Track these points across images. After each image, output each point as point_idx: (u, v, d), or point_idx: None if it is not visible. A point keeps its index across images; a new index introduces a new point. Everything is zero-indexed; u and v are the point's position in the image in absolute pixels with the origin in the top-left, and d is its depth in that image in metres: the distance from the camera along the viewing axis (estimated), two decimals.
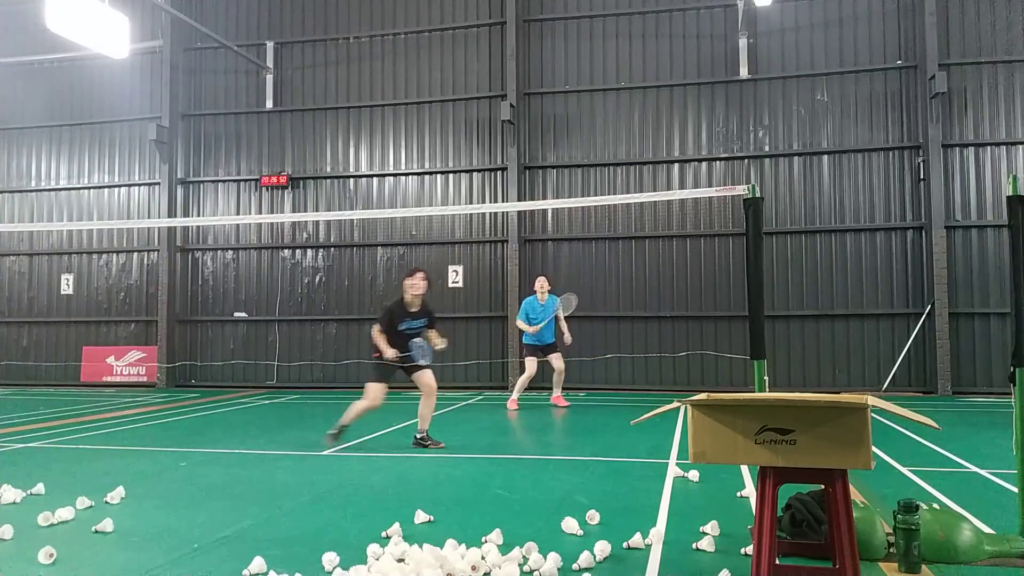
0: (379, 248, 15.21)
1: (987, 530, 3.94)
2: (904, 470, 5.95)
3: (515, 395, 11.15)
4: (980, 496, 5.06)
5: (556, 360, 11.12)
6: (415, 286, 7.44)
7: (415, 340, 7.40)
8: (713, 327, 13.74)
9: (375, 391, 7.27)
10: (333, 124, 15.67)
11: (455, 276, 14.79)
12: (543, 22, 14.85)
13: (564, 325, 11.13)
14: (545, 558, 3.56)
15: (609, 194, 14.10)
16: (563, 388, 11.59)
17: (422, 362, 7.38)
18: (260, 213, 15.69)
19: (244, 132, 16.09)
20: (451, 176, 15.04)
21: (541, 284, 11.08)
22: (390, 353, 7.16)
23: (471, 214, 14.81)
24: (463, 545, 3.77)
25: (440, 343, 7.52)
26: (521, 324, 11.09)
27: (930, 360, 12.89)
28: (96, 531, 4.26)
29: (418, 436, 7.47)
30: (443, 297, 14.81)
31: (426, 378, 7.46)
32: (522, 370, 11.43)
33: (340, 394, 13.84)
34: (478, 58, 15.09)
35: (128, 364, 16.06)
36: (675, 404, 3.38)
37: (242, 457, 6.94)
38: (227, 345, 15.77)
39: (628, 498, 5.06)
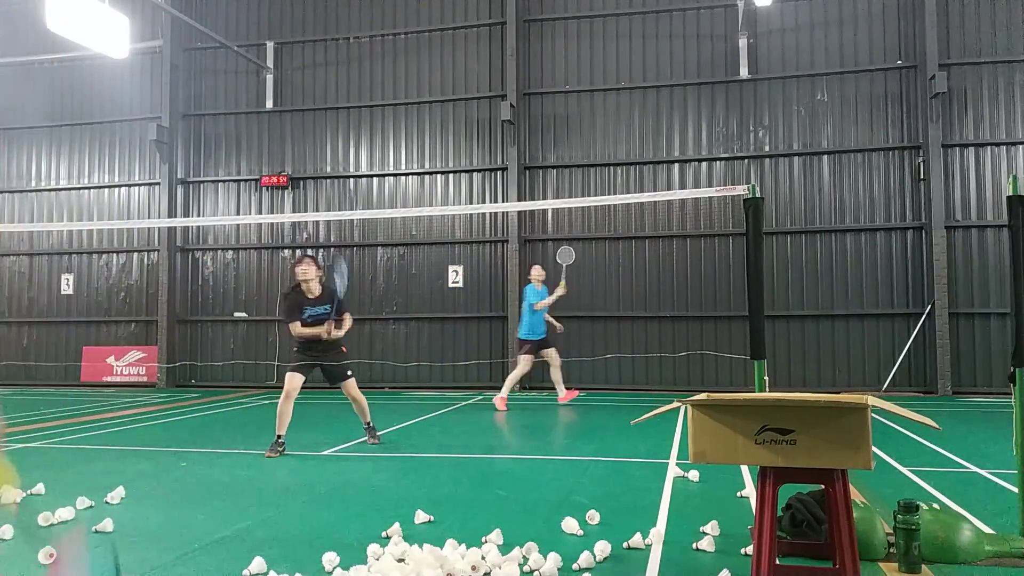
0: (379, 248, 15.22)
1: (987, 530, 3.94)
2: (904, 470, 5.95)
3: (504, 393, 10.92)
4: (980, 496, 5.06)
5: (554, 355, 11.17)
6: (304, 272, 7.25)
7: None
8: (713, 327, 13.74)
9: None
10: (333, 124, 15.67)
11: (455, 276, 14.79)
12: (543, 22, 14.85)
13: (551, 318, 11.20)
14: (545, 558, 3.56)
15: (609, 194, 14.10)
16: (567, 389, 11.55)
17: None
18: (260, 213, 15.70)
19: (244, 132, 16.09)
20: (451, 176, 15.04)
21: (538, 272, 11.12)
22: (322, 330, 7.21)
23: (471, 214, 14.81)
24: (463, 545, 3.77)
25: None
26: (532, 307, 10.94)
27: (930, 360, 12.89)
28: (96, 531, 4.26)
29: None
30: (443, 297, 14.82)
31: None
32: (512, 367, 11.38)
33: (340, 394, 13.82)
34: (478, 58, 15.09)
35: (128, 364, 16.06)
36: (675, 404, 3.38)
37: (242, 457, 6.94)
38: (227, 345, 15.77)
39: (628, 498, 5.06)
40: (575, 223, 14.48)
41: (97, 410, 11.31)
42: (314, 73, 15.83)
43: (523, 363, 11.03)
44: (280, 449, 6.96)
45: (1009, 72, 13.08)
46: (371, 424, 7.69)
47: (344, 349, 7.52)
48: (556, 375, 11.38)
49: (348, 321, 7.41)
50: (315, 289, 7.27)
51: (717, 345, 13.62)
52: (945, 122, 13.07)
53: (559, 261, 11.75)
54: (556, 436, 8.55)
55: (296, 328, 7.18)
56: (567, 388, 11.53)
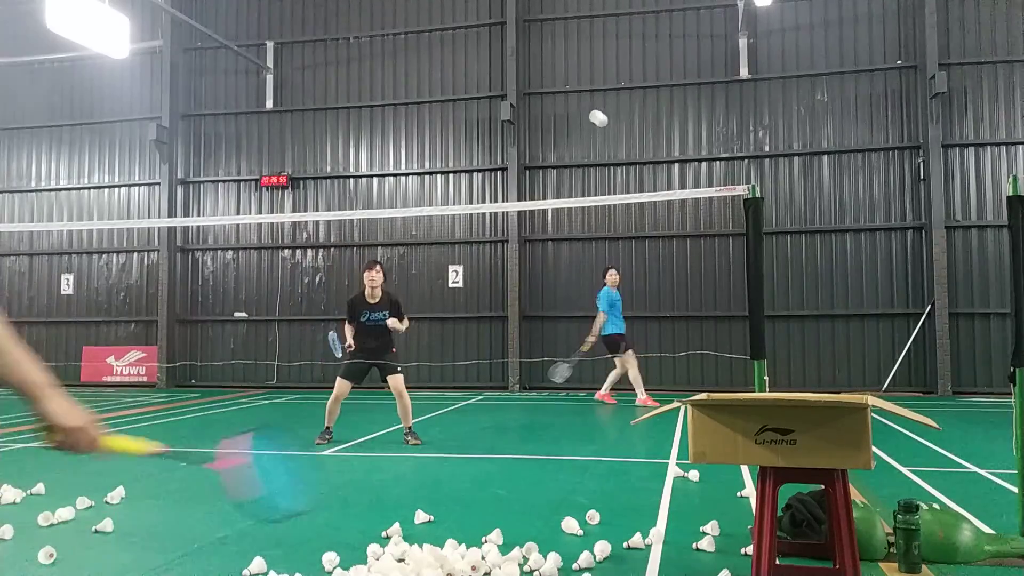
0: (379, 248, 15.21)
1: (987, 530, 3.94)
2: (904, 470, 5.95)
3: (642, 393, 11.10)
4: (980, 496, 5.06)
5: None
6: (372, 279, 7.58)
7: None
8: (713, 327, 13.74)
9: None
10: (333, 124, 15.67)
11: (455, 276, 14.79)
12: (543, 22, 14.85)
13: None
14: (545, 558, 3.56)
15: (609, 194, 14.10)
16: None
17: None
18: (260, 213, 15.69)
19: (244, 132, 16.09)
20: (451, 176, 15.04)
21: (614, 276, 11.33)
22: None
23: (471, 214, 14.81)
24: (463, 545, 3.77)
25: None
26: (602, 316, 11.17)
27: (930, 360, 12.89)
28: (96, 531, 4.26)
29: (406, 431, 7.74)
30: (443, 297, 14.82)
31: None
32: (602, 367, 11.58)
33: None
34: (478, 58, 15.09)
35: (128, 364, 16.06)
36: (675, 404, 3.38)
37: None
38: (227, 345, 15.77)
39: (628, 498, 5.06)
40: (575, 223, 14.48)
41: (97, 410, 11.30)
42: (314, 73, 15.83)
43: (631, 359, 11.22)
44: (328, 437, 7.65)
45: (1009, 72, 13.08)
46: (411, 428, 7.67)
47: (394, 350, 7.82)
48: (614, 376, 11.46)
49: (406, 322, 7.77)
50: (377, 295, 7.60)
51: (717, 345, 13.62)
52: (945, 122, 13.07)
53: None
54: (556, 436, 8.55)
55: (345, 328, 7.69)
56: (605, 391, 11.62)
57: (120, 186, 16.57)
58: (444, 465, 6.42)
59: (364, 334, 7.57)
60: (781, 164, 13.83)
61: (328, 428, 7.69)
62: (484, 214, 14.78)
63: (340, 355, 7.75)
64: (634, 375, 11.17)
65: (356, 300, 7.67)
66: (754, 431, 3.01)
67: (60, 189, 16.80)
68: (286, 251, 15.71)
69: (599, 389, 11.65)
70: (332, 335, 7.97)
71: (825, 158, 13.66)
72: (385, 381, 7.66)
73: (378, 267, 7.62)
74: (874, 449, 4.04)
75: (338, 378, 7.69)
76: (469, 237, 14.86)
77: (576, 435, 8.62)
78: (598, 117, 10.29)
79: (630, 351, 11.29)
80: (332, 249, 15.47)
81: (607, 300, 11.19)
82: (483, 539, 3.95)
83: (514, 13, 14.56)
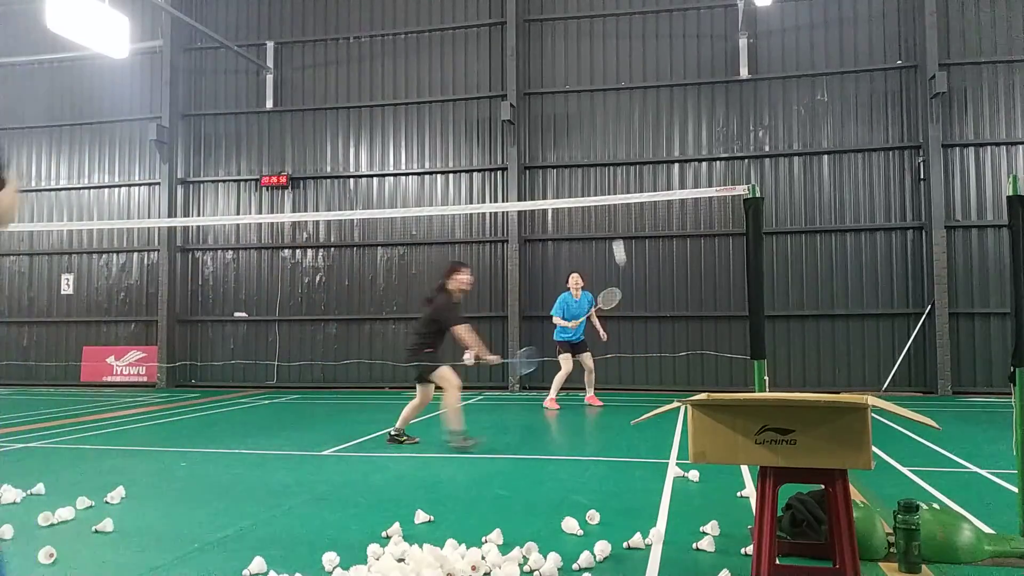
0: (379, 248, 15.22)
1: (987, 530, 3.94)
2: (904, 470, 5.95)
3: (553, 394, 11.07)
4: (980, 496, 5.06)
5: (587, 359, 11.15)
6: (463, 282, 7.52)
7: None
8: (713, 327, 13.74)
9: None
10: (333, 124, 15.68)
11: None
12: (543, 22, 14.85)
13: (598, 323, 11.20)
14: (545, 558, 3.56)
15: (609, 194, 14.10)
16: (563, 388, 11.57)
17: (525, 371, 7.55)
18: (260, 213, 15.70)
19: (244, 132, 16.09)
20: (451, 176, 15.04)
21: (576, 280, 11.08)
22: (494, 358, 7.45)
23: (471, 214, 14.81)
24: (463, 545, 3.77)
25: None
26: (557, 320, 11.03)
27: (930, 360, 12.89)
28: (96, 531, 4.26)
29: (393, 432, 7.68)
30: None
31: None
32: (556, 368, 11.27)
33: (340, 394, 13.85)
34: (478, 58, 15.09)
35: (128, 364, 16.07)
36: (675, 404, 3.39)
37: (242, 457, 6.94)
38: (227, 345, 15.77)
39: (628, 498, 5.06)
40: (575, 223, 14.48)
41: (97, 410, 11.31)
42: (314, 73, 15.83)
43: (562, 363, 11.07)
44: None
45: (1009, 72, 13.08)
46: (400, 431, 7.67)
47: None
48: (587, 378, 11.37)
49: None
50: (461, 297, 7.62)
51: (717, 345, 13.62)
52: (945, 122, 13.07)
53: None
54: (556, 436, 8.55)
55: (466, 331, 7.35)
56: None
57: (120, 186, 16.57)
58: (444, 465, 6.42)
59: (444, 335, 7.50)
60: (781, 164, 13.82)
61: (468, 436, 7.30)
62: (484, 214, 14.78)
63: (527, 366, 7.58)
64: (559, 377, 11.05)
65: (455, 304, 7.49)
66: (754, 431, 3.01)
67: (60, 189, 16.80)
68: (286, 251, 15.71)
69: (596, 389, 11.63)
70: (521, 356, 7.70)
71: (825, 158, 13.66)
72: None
73: (468, 269, 7.59)
74: (874, 449, 4.04)
75: (450, 370, 7.42)
76: (469, 237, 14.86)
77: (576, 435, 8.63)
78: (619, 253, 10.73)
79: (565, 355, 11.05)
80: (332, 249, 15.47)
81: (558, 305, 11.10)
82: (483, 539, 3.96)
83: (514, 13, 14.56)
